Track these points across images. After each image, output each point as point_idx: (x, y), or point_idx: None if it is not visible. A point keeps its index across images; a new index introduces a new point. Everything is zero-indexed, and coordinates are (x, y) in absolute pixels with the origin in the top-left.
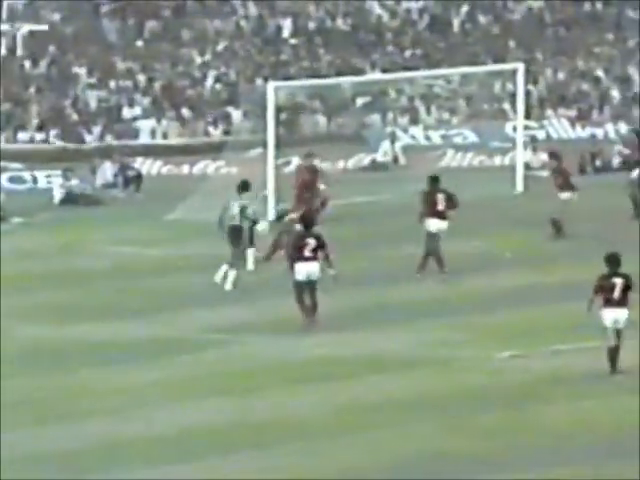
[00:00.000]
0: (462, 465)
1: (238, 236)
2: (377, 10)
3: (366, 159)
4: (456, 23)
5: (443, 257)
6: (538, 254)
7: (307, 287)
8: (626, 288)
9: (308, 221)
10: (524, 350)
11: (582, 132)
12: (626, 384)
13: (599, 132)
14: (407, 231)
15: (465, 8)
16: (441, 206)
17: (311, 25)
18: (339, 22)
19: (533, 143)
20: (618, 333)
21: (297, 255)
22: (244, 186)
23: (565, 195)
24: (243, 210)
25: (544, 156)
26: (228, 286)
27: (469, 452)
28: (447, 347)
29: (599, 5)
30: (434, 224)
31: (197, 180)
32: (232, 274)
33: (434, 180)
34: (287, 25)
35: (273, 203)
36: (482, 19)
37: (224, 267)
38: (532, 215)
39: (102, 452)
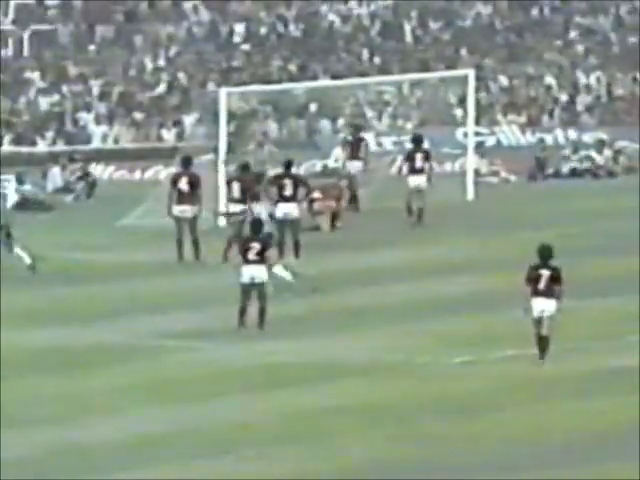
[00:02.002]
0: (416, 472)
1: None
2: (329, 16)
3: (318, 165)
4: (407, 29)
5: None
6: (491, 260)
7: (253, 291)
8: (553, 280)
9: (256, 225)
10: (477, 356)
11: (532, 138)
12: (579, 389)
13: (549, 138)
14: (364, 236)
15: (416, 14)
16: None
17: (263, 30)
18: (291, 28)
19: (483, 149)
20: (545, 322)
21: (242, 258)
22: None
23: (413, 180)
24: None
25: (495, 162)
26: None
27: (422, 459)
28: (400, 353)
29: (547, 11)
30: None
31: (149, 185)
32: None
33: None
34: (239, 30)
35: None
36: (433, 25)
37: None
38: (483, 221)
39: (53, 460)
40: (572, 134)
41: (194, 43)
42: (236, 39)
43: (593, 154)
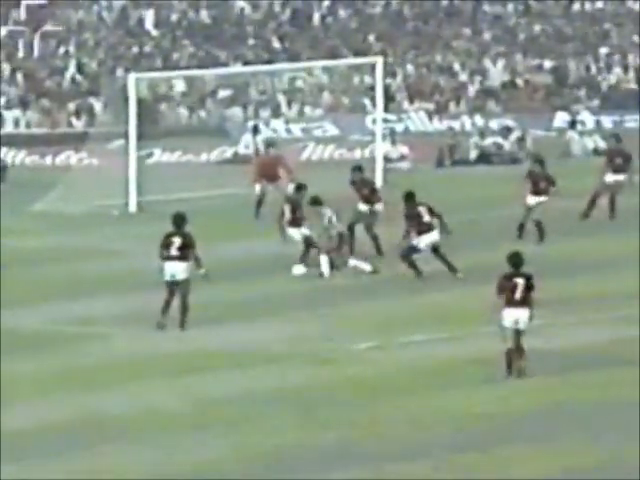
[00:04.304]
0: (322, 458)
1: None
2: (240, 3)
3: (228, 152)
4: (317, 17)
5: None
6: (395, 247)
7: (174, 287)
8: (528, 288)
9: (178, 219)
10: (380, 341)
11: (439, 125)
12: (482, 374)
13: (456, 125)
14: (273, 223)
15: (326, 2)
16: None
17: (174, 17)
18: (202, 14)
19: (392, 136)
20: (518, 334)
21: (164, 254)
22: None
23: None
24: None
25: (403, 149)
26: None
27: (328, 445)
28: (304, 340)
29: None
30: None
31: (60, 171)
32: None
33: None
34: (149, 17)
35: (135, 195)
36: (342, 13)
37: None
38: (390, 208)
39: None
40: (479, 121)
41: (104, 29)
42: (147, 25)
43: (500, 140)
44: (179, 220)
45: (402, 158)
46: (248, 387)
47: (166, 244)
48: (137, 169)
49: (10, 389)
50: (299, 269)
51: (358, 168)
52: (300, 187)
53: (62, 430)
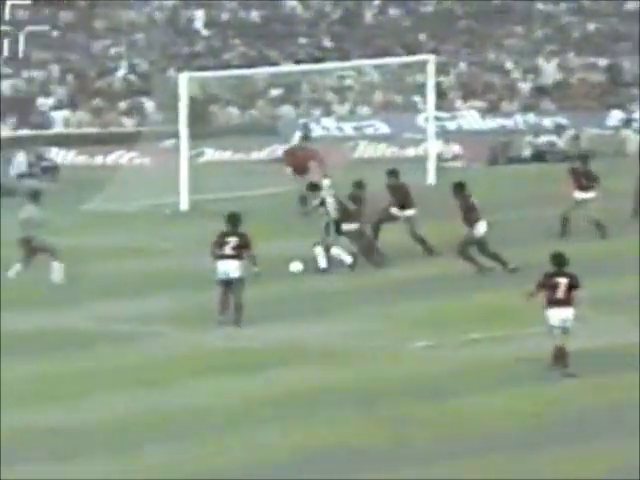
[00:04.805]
0: (375, 457)
1: None
2: (291, 2)
3: (279, 150)
4: (368, 15)
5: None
6: (447, 243)
7: (228, 286)
8: (571, 287)
9: (233, 219)
10: (437, 340)
11: (492, 123)
12: (541, 372)
13: (509, 123)
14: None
15: (377, 1)
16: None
17: (224, 16)
18: (253, 13)
19: (445, 134)
20: (564, 332)
21: (218, 253)
22: None
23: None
24: None
25: (456, 147)
26: None
27: (382, 443)
28: (361, 338)
29: None
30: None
31: (111, 170)
32: None
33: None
34: (200, 16)
35: (187, 193)
36: (393, 11)
37: None
38: (444, 206)
39: (18, 444)
40: (531, 119)
41: (155, 29)
42: (197, 25)
43: (554, 139)
44: (234, 220)
45: (455, 157)
46: (302, 385)
47: (220, 243)
48: (188, 168)
49: (63, 387)
50: (296, 266)
51: (393, 172)
52: (359, 184)
53: (114, 428)
